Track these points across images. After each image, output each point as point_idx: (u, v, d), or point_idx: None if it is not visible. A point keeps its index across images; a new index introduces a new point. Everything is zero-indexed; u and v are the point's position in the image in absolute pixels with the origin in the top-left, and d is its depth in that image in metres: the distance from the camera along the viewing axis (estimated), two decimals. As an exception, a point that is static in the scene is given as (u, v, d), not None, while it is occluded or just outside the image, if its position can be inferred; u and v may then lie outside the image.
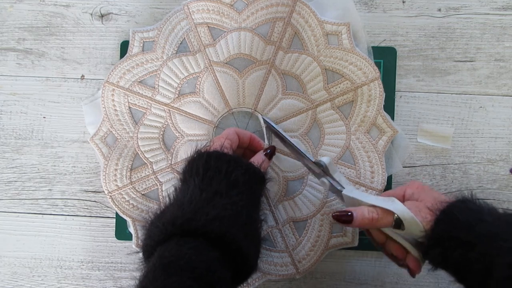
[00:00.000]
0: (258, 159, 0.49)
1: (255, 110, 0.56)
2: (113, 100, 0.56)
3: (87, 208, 0.59)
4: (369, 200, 0.45)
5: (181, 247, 0.38)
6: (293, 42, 0.55)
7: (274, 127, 0.53)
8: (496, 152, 0.57)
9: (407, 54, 0.57)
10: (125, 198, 0.56)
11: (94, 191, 0.59)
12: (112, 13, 0.59)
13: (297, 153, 0.51)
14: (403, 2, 0.58)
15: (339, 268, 0.57)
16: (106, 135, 0.57)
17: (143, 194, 0.56)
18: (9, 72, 0.60)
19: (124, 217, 0.56)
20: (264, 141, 0.54)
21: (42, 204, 0.60)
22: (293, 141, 0.52)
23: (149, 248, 0.41)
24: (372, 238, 0.48)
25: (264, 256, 0.55)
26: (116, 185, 0.56)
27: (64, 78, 0.60)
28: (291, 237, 0.55)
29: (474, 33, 0.57)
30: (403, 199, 0.47)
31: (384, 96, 0.55)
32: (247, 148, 0.52)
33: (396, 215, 0.43)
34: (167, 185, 0.56)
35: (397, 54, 0.57)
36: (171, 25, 0.56)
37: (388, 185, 0.56)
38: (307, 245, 0.55)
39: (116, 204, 0.56)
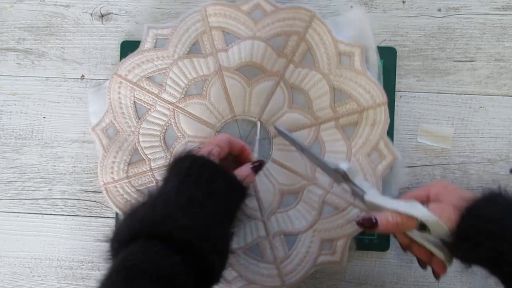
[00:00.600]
0: (243, 172, 0.48)
1: (259, 120, 0.56)
2: (119, 93, 0.56)
3: (87, 208, 0.59)
4: (391, 205, 0.45)
5: (146, 250, 0.38)
6: (305, 58, 0.55)
7: (288, 136, 0.52)
8: (496, 152, 0.57)
9: (407, 54, 0.57)
10: (120, 192, 0.56)
11: (94, 191, 0.59)
12: (112, 13, 0.59)
13: (316, 159, 0.51)
14: (403, 2, 0.58)
15: (339, 268, 0.57)
16: (108, 127, 0.57)
17: (138, 190, 0.56)
18: (9, 72, 0.60)
19: (117, 210, 0.56)
20: (254, 153, 0.53)
21: (42, 204, 0.60)
22: (309, 149, 0.51)
23: (115, 246, 0.41)
24: (398, 240, 0.48)
25: (251, 265, 0.55)
26: (112, 177, 0.56)
27: (64, 78, 0.60)
28: (281, 249, 0.55)
29: (474, 33, 0.57)
30: (427, 200, 0.46)
31: (389, 122, 0.54)
32: (237, 157, 0.52)
33: (419, 219, 0.43)
34: None
35: (397, 54, 0.57)
36: (186, 25, 0.56)
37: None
38: (295, 260, 0.54)
39: (110, 197, 0.56)
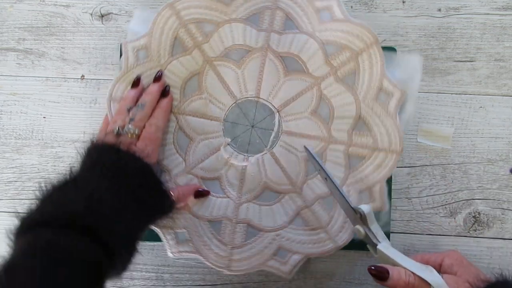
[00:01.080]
0: (183, 192, 0.51)
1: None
2: (165, 23, 0.55)
3: (87, 208, 0.59)
4: (405, 263, 0.44)
5: (56, 236, 0.38)
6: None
7: (317, 160, 0.52)
8: (496, 152, 0.57)
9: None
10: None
11: (94, 191, 0.59)
12: (112, 13, 0.59)
13: (338, 193, 0.50)
14: (403, 2, 0.58)
15: (339, 268, 0.57)
16: (140, 48, 0.55)
17: None
18: (9, 72, 0.60)
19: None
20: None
21: (42, 204, 0.60)
22: (335, 181, 0.50)
23: (23, 227, 0.41)
24: None
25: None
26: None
27: (64, 78, 0.60)
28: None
29: (474, 33, 0.57)
30: (439, 268, 0.46)
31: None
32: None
33: (432, 287, 0.42)
34: None
35: (397, 54, 0.57)
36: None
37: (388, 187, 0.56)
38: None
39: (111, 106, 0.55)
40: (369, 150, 0.54)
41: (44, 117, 0.60)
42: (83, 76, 0.60)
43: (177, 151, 0.56)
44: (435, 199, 0.57)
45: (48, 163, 0.60)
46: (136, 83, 0.53)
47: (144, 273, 0.58)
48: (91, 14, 0.60)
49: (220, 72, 0.56)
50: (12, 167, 0.60)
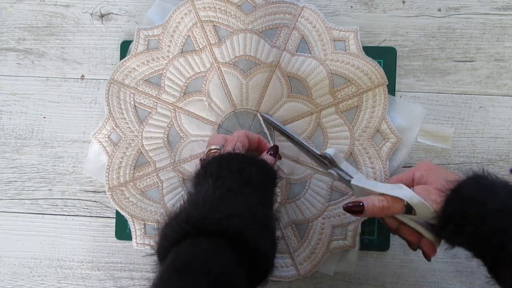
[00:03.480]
0: (267, 159, 0.48)
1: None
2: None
3: (87, 208, 0.59)
4: (377, 188, 0.45)
5: (195, 248, 0.38)
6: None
7: (276, 124, 0.53)
8: (496, 152, 0.57)
9: (407, 54, 0.57)
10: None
11: (94, 191, 0.59)
12: (112, 13, 0.59)
13: (302, 148, 0.51)
14: (403, 2, 0.58)
15: (339, 268, 0.57)
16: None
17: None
18: (9, 72, 0.60)
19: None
20: (270, 143, 0.54)
21: (42, 204, 0.60)
22: (296, 136, 0.52)
23: (163, 250, 0.40)
24: (386, 225, 0.48)
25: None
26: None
27: (64, 78, 0.60)
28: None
29: (474, 33, 0.57)
30: (412, 183, 0.47)
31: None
32: (255, 150, 0.52)
33: (405, 202, 0.43)
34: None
35: (397, 54, 0.57)
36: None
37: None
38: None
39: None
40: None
41: (44, 117, 0.60)
42: (83, 76, 0.60)
43: (165, 146, 0.56)
44: (435, 199, 0.57)
45: (48, 163, 0.59)
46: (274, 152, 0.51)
47: (144, 273, 0.58)
48: (91, 14, 0.60)
49: (226, 78, 0.56)
50: (12, 167, 0.60)
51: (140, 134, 0.56)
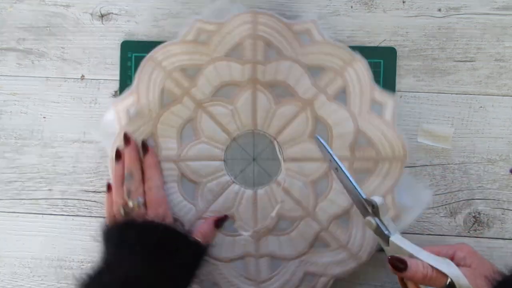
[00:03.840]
0: (205, 229, 0.50)
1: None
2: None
3: (87, 208, 0.59)
4: (421, 255, 0.43)
5: None
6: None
7: (328, 149, 0.51)
8: (496, 152, 0.57)
9: (407, 54, 0.57)
10: None
11: (94, 191, 0.59)
12: (112, 13, 0.59)
13: (349, 183, 0.49)
14: (403, 2, 0.58)
15: (339, 268, 0.57)
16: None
17: None
18: (9, 72, 0.60)
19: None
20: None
21: (42, 204, 0.60)
22: (346, 171, 0.49)
23: None
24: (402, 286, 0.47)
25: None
26: None
27: (64, 78, 0.60)
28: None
29: (474, 33, 0.57)
30: (452, 261, 0.45)
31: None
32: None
33: (450, 279, 0.42)
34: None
35: (397, 54, 0.57)
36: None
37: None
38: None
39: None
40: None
41: (44, 117, 0.60)
42: (83, 76, 0.60)
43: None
44: (435, 199, 0.57)
45: (48, 163, 0.60)
46: (118, 155, 0.53)
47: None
48: (91, 14, 0.60)
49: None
50: (12, 167, 0.60)
51: (158, 118, 0.55)
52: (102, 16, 0.59)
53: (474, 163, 0.57)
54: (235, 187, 0.56)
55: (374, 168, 0.54)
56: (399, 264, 0.43)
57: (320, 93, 0.55)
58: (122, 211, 0.50)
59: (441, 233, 0.57)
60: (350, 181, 0.48)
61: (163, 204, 0.51)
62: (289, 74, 0.55)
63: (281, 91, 0.55)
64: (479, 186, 0.57)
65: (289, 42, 0.54)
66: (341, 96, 0.55)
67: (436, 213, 0.57)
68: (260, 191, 0.55)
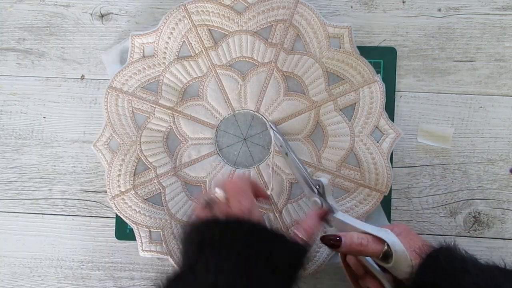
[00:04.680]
0: (309, 224, 0.43)
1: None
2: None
3: (87, 208, 0.59)
4: (362, 226, 0.44)
5: None
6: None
7: (279, 136, 0.53)
8: (496, 152, 0.57)
9: (407, 54, 0.57)
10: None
11: (94, 191, 0.59)
12: (112, 13, 0.59)
13: (298, 167, 0.51)
14: (403, 2, 0.58)
15: (339, 268, 0.57)
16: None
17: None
18: (9, 72, 0.60)
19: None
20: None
21: (42, 204, 0.60)
22: (295, 155, 0.52)
23: None
24: (346, 271, 0.48)
25: None
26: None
27: (64, 78, 0.60)
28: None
29: (474, 33, 0.57)
30: None
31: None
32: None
33: (386, 246, 0.42)
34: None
35: (397, 54, 0.57)
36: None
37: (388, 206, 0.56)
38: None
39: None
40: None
41: (44, 117, 0.60)
42: (83, 76, 0.60)
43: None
44: (435, 199, 0.57)
45: (48, 163, 0.59)
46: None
47: (144, 273, 0.58)
48: (91, 14, 0.60)
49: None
50: (12, 167, 0.60)
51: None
52: (102, 16, 0.59)
53: (474, 163, 0.57)
54: (217, 158, 0.56)
55: (354, 190, 0.55)
56: (332, 241, 0.42)
57: (329, 100, 0.55)
58: (205, 203, 0.42)
59: (441, 233, 0.57)
60: (299, 164, 0.51)
61: (247, 195, 0.43)
62: (307, 71, 0.55)
63: (293, 84, 0.56)
64: (479, 186, 0.57)
65: (318, 41, 0.55)
66: (349, 109, 0.55)
67: (436, 213, 0.57)
68: (239, 171, 0.56)
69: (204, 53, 0.55)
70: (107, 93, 0.56)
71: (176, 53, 0.56)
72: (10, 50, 0.60)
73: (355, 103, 0.55)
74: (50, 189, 0.60)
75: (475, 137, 0.57)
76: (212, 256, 0.36)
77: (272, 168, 0.55)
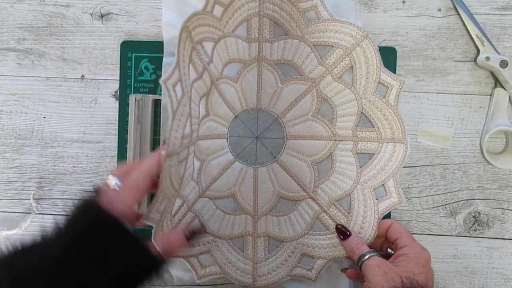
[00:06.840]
0: (173, 240, 0.43)
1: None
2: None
3: (87, 208, 0.59)
4: None
5: None
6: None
7: None
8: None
9: (407, 54, 0.57)
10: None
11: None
12: (112, 13, 0.59)
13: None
14: (403, 2, 0.58)
15: (339, 268, 0.57)
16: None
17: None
18: (9, 72, 0.60)
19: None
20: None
21: (42, 204, 0.60)
22: None
23: None
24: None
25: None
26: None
27: (64, 78, 0.60)
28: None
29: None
30: (385, 234, 0.52)
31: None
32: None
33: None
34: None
35: (397, 54, 0.57)
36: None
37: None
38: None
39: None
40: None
41: (44, 117, 0.60)
42: (83, 76, 0.60)
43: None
44: (435, 199, 0.57)
45: (48, 163, 0.60)
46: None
47: (144, 273, 0.58)
48: (91, 14, 0.60)
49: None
50: (12, 167, 0.60)
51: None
52: (102, 16, 0.59)
53: (474, 163, 0.57)
54: (238, 165, 0.56)
55: (378, 150, 0.54)
56: (343, 232, 0.52)
57: (326, 72, 0.54)
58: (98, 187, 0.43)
59: (441, 233, 0.57)
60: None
61: (134, 193, 0.42)
62: (296, 52, 0.54)
63: (287, 70, 0.55)
64: (479, 186, 0.57)
65: (295, 20, 0.53)
66: (348, 74, 0.54)
67: (436, 213, 0.57)
68: (262, 169, 0.55)
69: (260, 41, 0.54)
70: (182, 30, 0.47)
71: (236, 27, 0.53)
72: (10, 50, 0.60)
73: (351, 66, 0.53)
74: (50, 189, 0.60)
75: (475, 137, 0.57)
76: (74, 236, 0.38)
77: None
